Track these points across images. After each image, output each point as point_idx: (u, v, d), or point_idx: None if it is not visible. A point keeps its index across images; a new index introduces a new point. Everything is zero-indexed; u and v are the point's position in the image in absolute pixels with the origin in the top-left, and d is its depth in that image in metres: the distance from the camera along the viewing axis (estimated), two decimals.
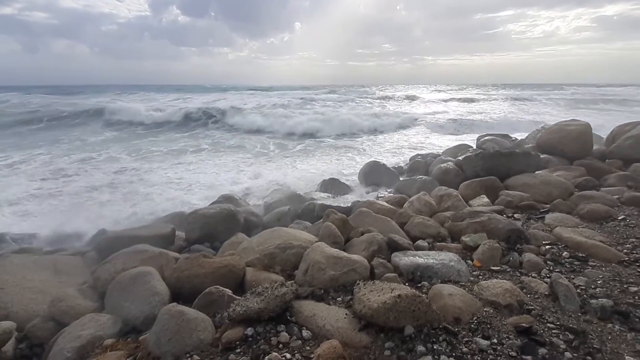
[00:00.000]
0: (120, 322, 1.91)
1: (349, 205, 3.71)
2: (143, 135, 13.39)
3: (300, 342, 1.64)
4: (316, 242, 2.61)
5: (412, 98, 29.10)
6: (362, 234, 2.59)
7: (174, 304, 1.84)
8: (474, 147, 6.91)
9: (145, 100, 24.56)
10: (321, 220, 2.99)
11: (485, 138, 7.19)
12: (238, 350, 1.62)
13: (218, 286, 2.04)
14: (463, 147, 6.97)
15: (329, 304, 1.91)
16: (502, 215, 3.10)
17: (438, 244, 2.62)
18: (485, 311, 1.81)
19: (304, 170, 7.13)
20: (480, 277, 2.19)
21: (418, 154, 7.33)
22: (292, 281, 2.15)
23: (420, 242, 2.55)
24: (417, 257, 2.24)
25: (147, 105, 19.04)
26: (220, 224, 3.19)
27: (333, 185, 5.04)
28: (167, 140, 12.21)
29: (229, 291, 2.07)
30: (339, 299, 1.96)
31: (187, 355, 1.64)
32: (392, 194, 4.38)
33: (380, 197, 4.32)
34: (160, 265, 2.30)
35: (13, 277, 2.29)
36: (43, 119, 15.98)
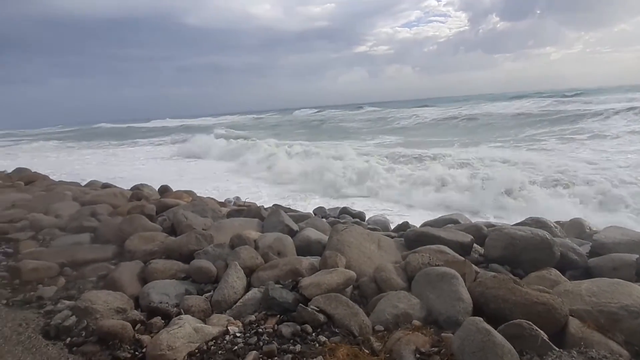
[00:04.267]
0: (425, 309, 2.12)
1: None
2: None
3: None
4: None
5: None
6: None
7: (480, 319, 1.79)
8: None
9: None
10: None
11: None
12: None
13: (531, 323, 1.78)
14: None
15: None
16: None
17: None
18: None
19: None
20: None
21: None
22: None
23: None
24: None
25: None
26: (528, 250, 2.78)
27: None
28: None
29: (543, 334, 1.75)
30: None
31: None
32: None
33: None
34: (463, 273, 2.32)
35: (355, 241, 3.14)
36: None
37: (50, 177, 8.20)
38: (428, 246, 3.03)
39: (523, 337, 1.75)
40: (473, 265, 2.60)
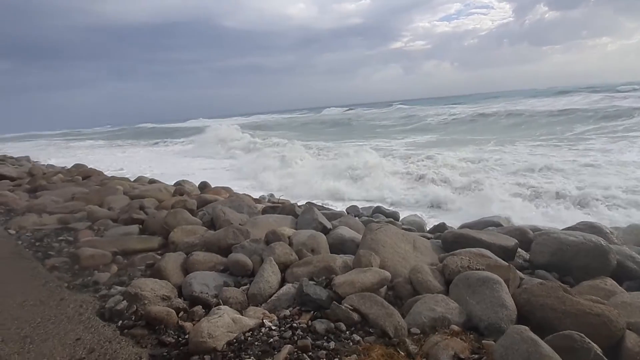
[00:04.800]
0: (464, 314, 2.05)
1: None
2: None
3: None
4: None
5: None
6: None
7: (526, 327, 1.70)
8: None
9: None
10: None
11: None
12: None
13: (583, 335, 1.66)
14: None
15: None
16: None
17: None
18: None
19: None
20: None
21: None
22: None
23: None
24: None
25: None
26: (579, 257, 2.58)
27: None
28: None
29: (597, 348, 1.63)
30: None
31: None
32: None
33: None
34: (507, 279, 2.21)
35: (390, 240, 3.09)
36: None
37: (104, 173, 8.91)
38: (467, 249, 2.91)
39: (574, 349, 1.63)
40: (517, 271, 2.46)
